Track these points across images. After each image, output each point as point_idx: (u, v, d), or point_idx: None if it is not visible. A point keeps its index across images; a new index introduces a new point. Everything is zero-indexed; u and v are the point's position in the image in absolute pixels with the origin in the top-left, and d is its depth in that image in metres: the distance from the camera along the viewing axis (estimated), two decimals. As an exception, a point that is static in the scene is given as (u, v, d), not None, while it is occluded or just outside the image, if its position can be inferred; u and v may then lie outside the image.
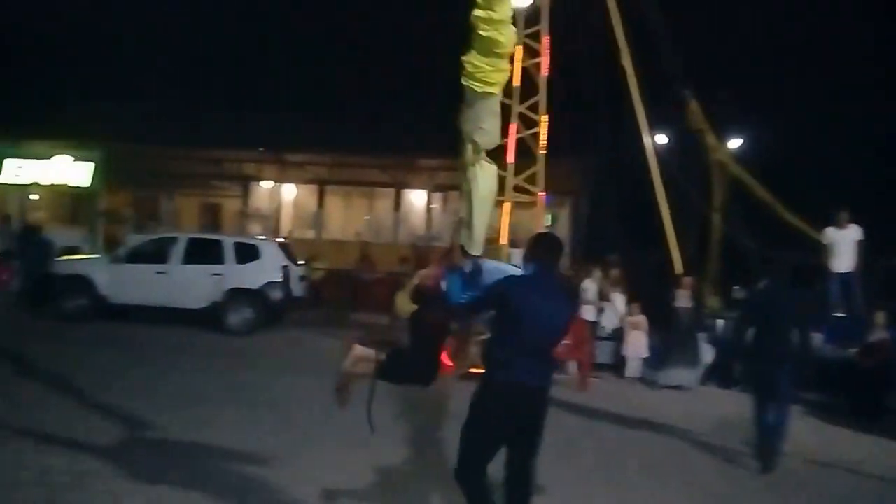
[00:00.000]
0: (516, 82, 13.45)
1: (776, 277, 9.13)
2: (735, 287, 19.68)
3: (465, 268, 5.25)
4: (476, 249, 5.08)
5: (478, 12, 4.25)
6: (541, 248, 5.30)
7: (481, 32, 4.27)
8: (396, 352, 5.85)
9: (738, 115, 22.68)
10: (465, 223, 5.11)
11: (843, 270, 13.48)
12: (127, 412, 8.62)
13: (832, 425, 11.07)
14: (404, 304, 5.67)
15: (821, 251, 13.89)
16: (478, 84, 4.37)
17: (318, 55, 31.03)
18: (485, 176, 4.81)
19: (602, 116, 17.04)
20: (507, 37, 4.37)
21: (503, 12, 4.27)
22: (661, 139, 20.53)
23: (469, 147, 4.76)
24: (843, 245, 13.41)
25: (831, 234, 13.52)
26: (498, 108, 4.53)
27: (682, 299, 13.54)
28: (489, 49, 4.25)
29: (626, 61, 15.10)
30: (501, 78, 4.38)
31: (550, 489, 6.82)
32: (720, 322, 15.12)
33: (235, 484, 6.60)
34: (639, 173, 16.44)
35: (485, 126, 4.61)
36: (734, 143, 22.63)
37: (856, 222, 13.51)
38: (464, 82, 4.52)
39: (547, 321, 5.09)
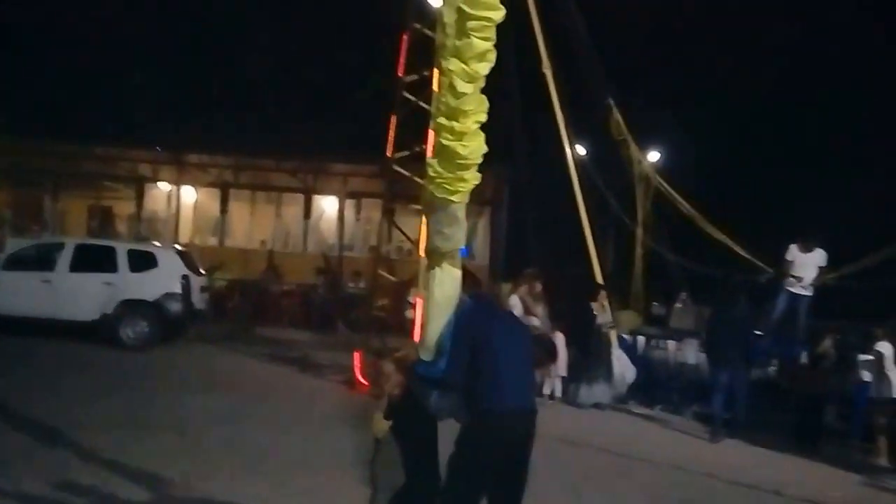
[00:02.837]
0: (435, 87, 13.61)
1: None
2: (654, 303, 20.29)
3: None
4: (426, 353, 5.10)
5: (441, 120, 4.22)
6: (469, 280, 5.40)
7: (442, 141, 4.24)
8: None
9: (659, 128, 23.43)
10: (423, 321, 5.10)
11: (799, 292, 13.70)
12: (20, 435, 8.53)
13: (757, 446, 11.60)
14: (380, 422, 5.67)
15: (779, 267, 14.05)
16: (437, 190, 4.35)
17: (222, 47, 30.69)
18: (443, 281, 4.79)
19: (521, 125, 17.38)
20: (472, 149, 4.29)
21: (468, 125, 4.21)
22: (584, 149, 21.01)
23: (431, 248, 4.76)
24: (806, 267, 13.61)
25: (794, 253, 13.62)
26: (461, 215, 4.49)
27: (599, 314, 13.92)
28: (450, 159, 4.23)
29: (547, 68, 15.44)
30: (464, 187, 4.32)
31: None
32: (641, 339, 15.62)
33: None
34: (559, 184, 16.80)
35: (445, 231, 4.59)
36: (653, 156, 23.34)
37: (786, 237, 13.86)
38: (425, 183, 4.51)
39: (512, 339, 5.27)
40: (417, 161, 13.59)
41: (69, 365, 13.17)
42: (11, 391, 10.87)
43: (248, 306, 21.04)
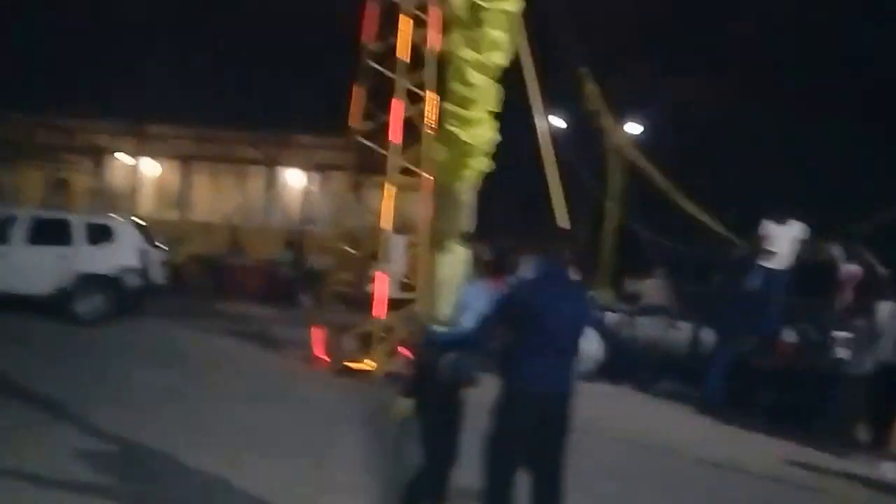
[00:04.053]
0: (401, 55, 13.53)
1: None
2: (628, 279, 20.32)
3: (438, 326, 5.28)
4: (435, 324, 5.08)
5: (448, 107, 4.11)
6: (548, 241, 5.63)
7: (448, 127, 4.13)
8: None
9: (640, 101, 23.39)
10: (426, 298, 5.09)
11: (776, 266, 13.65)
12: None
13: (730, 425, 11.74)
14: (403, 404, 5.61)
15: (751, 243, 14.01)
16: (441, 175, 4.29)
17: (184, 15, 30.35)
18: (447, 261, 4.77)
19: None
20: (478, 137, 4.22)
21: (476, 113, 4.12)
22: (559, 121, 21.00)
23: (435, 229, 4.75)
24: (782, 241, 13.54)
25: (769, 227, 13.30)
26: (465, 198, 4.46)
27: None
28: (455, 145, 4.15)
29: (519, 36, 15.34)
30: (469, 174, 4.27)
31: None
32: (611, 316, 15.62)
33: (99, 482, 6.59)
34: (531, 156, 16.76)
35: (448, 213, 4.56)
36: (634, 129, 23.27)
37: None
38: (436, 177, 4.43)
39: (563, 320, 5.27)
40: (383, 132, 13.53)
41: (23, 339, 13.01)
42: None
43: (209, 281, 20.94)
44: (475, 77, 4.09)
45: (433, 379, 5.40)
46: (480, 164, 4.30)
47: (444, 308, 5.02)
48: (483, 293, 5.37)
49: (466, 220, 4.76)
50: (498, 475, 5.32)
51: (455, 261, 4.70)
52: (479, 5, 3.93)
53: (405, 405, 5.61)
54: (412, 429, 5.70)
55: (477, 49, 4.00)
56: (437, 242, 4.64)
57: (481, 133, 4.20)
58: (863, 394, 10.83)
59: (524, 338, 5.20)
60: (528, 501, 5.40)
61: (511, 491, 5.33)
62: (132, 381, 10.66)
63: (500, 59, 4.09)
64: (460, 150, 4.21)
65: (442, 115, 4.17)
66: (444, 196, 4.43)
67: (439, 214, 4.55)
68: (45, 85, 26.78)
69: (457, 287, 5.04)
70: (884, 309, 10.76)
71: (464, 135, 4.16)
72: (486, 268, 5.77)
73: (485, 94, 4.12)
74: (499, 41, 4.02)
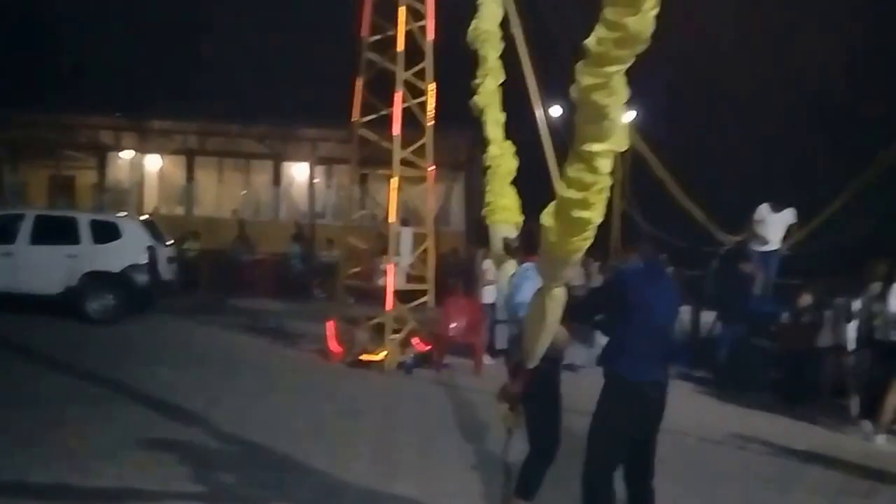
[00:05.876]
0: (400, 47, 13.61)
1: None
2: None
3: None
4: (533, 362, 5.36)
5: (570, 194, 4.14)
6: (645, 241, 6.12)
7: (573, 214, 4.20)
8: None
9: (637, 86, 23.45)
10: (527, 338, 5.32)
11: (767, 249, 14.13)
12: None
13: (722, 402, 12.23)
14: (509, 417, 5.91)
15: (746, 227, 14.53)
16: (560, 251, 4.42)
17: (185, 9, 30.45)
18: (553, 306, 5.01)
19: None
20: (601, 214, 4.38)
21: (596, 196, 4.24)
22: (560, 110, 21.09)
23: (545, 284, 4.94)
24: (775, 226, 14.06)
25: (764, 213, 14.03)
26: (577, 259, 4.67)
27: (575, 276, 14.14)
28: (580, 227, 4.24)
29: (515, 28, 15.45)
30: (586, 244, 4.44)
31: (447, 476, 7.36)
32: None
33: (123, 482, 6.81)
34: (534, 146, 16.91)
35: (563, 274, 4.81)
36: (629, 116, 23.36)
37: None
38: (545, 246, 4.52)
39: (666, 313, 5.76)
40: (386, 124, 13.67)
41: (33, 339, 13.05)
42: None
43: (219, 276, 21.11)
44: (606, 164, 4.15)
45: (539, 388, 5.81)
46: (593, 234, 4.41)
47: (543, 349, 5.27)
48: (532, 273, 5.49)
49: (574, 274, 5.04)
50: (603, 464, 5.58)
51: (558, 306, 4.92)
52: (602, 105, 3.99)
53: (514, 418, 5.93)
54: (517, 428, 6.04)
55: (604, 139, 4.05)
56: (546, 289, 4.84)
57: (597, 214, 4.27)
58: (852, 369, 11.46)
59: (631, 328, 5.49)
60: (626, 485, 5.74)
61: (612, 479, 5.60)
62: (151, 379, 10.75)
63: (625, 143, 4.16)
64: (584, 229, 4.28)
65: (563, 203, 4.21)
66: (558, 264, 4.58)
67: (552, 274, 4.72)
68: (44, 82, 26.96)
69: (554, 330, 5.23)
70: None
71: (594, 216, 4.24)
72: (517, 251, 6.36)
73: (606, 178, 4.21)
74: (620, 126, 4.09)
